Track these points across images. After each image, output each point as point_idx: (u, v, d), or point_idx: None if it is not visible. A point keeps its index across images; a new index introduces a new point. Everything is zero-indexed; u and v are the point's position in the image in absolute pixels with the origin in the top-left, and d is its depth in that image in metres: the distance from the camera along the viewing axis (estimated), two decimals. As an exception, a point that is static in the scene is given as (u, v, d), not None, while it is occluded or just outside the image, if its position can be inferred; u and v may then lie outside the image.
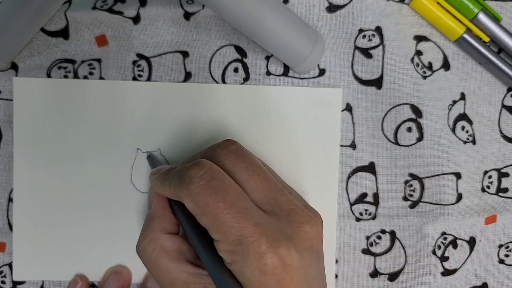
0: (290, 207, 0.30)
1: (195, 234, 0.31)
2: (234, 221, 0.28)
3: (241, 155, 0.32)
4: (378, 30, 0.39)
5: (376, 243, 0.41)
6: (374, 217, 0.40)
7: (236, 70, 0.39)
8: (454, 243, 0.41)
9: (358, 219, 0.40)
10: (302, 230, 0.29)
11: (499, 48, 0.40)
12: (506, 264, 0.42)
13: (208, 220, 0.29)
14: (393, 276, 0.41)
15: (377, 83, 0.39)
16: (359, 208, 0.40)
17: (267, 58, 0.39)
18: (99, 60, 0.39)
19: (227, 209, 0.28)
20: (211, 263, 0.29)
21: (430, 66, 0.40)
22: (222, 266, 0.29)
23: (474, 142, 0.41)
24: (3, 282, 0.39)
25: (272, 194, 0.31)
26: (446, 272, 0.41)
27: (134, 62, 0.39)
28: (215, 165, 0.30)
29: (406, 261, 0.41)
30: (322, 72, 0.39)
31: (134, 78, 0.39)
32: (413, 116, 0.39)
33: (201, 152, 0.33)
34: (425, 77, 0.40)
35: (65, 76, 0.38)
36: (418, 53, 0.40)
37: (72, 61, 0.39)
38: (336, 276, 0.40)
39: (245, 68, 0.39)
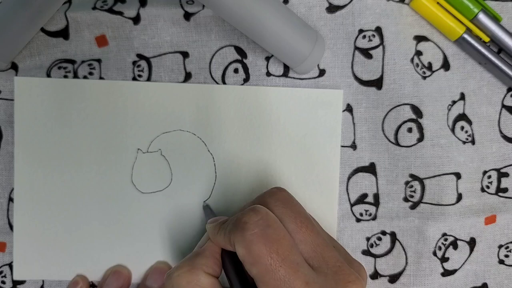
0: (337, 264, 0.29)
1: (241, 286, 0.30)
2: (285, 276, 0.27)
3: (289, 204, 0.31)
4: (378, 30, 0.38)
5: (377, 245, 0.40)
6: (374, 218, 0.40)
7: (236, 70, 0.39)
8: (454, 244, 0.40)
9: (358, 220, 0.40)
10: None
11: (499, 48, 0.40)
12: (506, 265, 0.41)
13: (258, 271, 0.27)
14: (393, 278, 0.40)
15: (377, 83, 0.39)
16: (359, 208, 0.40)
17: (267, 58, 0.39)
18: (99, 60, 0.38)
19: (280, 262, 0.27)
20: None
21: (430, 66, 0.39)
22: None
23: (473, 142, 0.40)
24: (3, 282, 0.39)
25: (320, 248, 0.29)
26: (446, 273, 0.40)
27: (134, 63, 0.38)
28: (271, 213, 0.29)
29: (406, 263, 0.40)
30: (322, 72, 0.39)
31: (134, 79, 0.38)
32: (414, 117, 0.39)
33: (250, 202, 0.32)
34: (424, 78, 0.39)
35: (65, 76, 0.38)
36: (418, 53, 0.39)
37: (72, 61, 0.38)
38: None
39: (245, 68, 0.39)
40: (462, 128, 0.40)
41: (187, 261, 0.31)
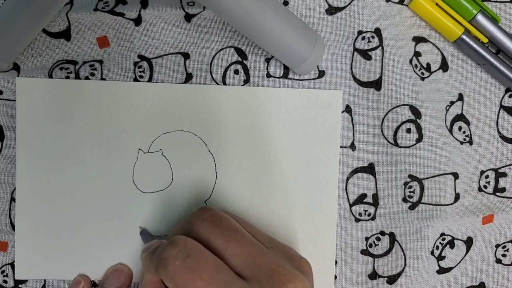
0: (271, 267, 0.29)
1: None
2: None
3: (215, 222, 0.31)
4: (377, 31, 0.38)
5: (376, 245, 0.40)
6: (373, 218, 0.40)
7: (236, 72, 0.38)
8: (451, 243, 0.40)
9: (357, 220, 0.40)
10: None
11: (498, 49, 0.39)
12: (503, 264, 0.41)
13: None
14: (392, 279, 0.40)
15: (376, 84, 0.39)
16: (358, 208, 0.39)
17: (267, 60, 0.38)
18: (100, 61, 0.38)
19: (206, 286, 0.28)
20: None
21: (428, 67, 0.39)
22: None
23: (471, 142, 0.40)
24: (5, 281, 0.38)
25: (251, 257, 0.29)
26: (441, 270, 0.40)
27: (135, 63, 0.38)
28: (190, 240, 0.29)
29: (405, 264, 0.39)
30: (321, 73, 0.39)
31: (135, 79, 0.38)
32: (413, 117, 0.39)
33: (178, 225, 0.33)
34: (423, 78, 0.39)
35: (67, 77, 0.38)
36: (417, 54, 0.39)
37: (73, 62, 0.38)
38: (336, 277, 0.40)
39: (246, 70, 0.38)
40: (460, 128, 0.40)
41: None
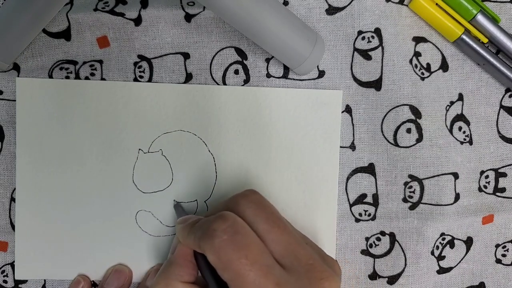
0: (309, 262, 0.29)
1: (218, 287, 0.30)
2: (256, 279, 0.27)
3: (261, 205, 0.31)
4: (377, 31, 0.38)
5: (376, 245, 0.40)
6: (373, 218, 0.39)
7: (236, 72, 0.38)
8: (451, 243, 0.40)
9: (357, 220, 0.39)
10: (322, 287, 0.29)
11: (498, 49, 0.39)
12: (503, 264, 0.41)
13: (229, 275, 0.28)
14: (392, 280, 0.39)
15: (376, 84, 0.38)
16: (358, 208, 0.39)
17: (267, 60, 0.38)
18: (100, 61, 0.38)
19: (250, 266, 0.27)
20: None
21: (428, 67, 0.39)
22: None
23: (471, 142, 0.40)
24: (5, 281, 0.38)
25: (292, 247, 0.30)
26: (441, 270, 0.40)
27: (135, 63, 0.38)
28: (239, 219, 0.29)
29: (405, 264, 0.39)
30: (321, 73, 0.38)
31: (135, 79, 0.38)
32: (413, 117, 0.38)
33: (223, 203, 0.32)
34: (423, 78, 0.39)
35: (67, 77, 0.37)
36: (417, 54, 0.39)
37: (73, 62, 0.38)
38: (336, 277, 0.40)
39: (246, 70, 0.38)
40: (460, 128, 0.40)
41: (163, 273, 0.32)
